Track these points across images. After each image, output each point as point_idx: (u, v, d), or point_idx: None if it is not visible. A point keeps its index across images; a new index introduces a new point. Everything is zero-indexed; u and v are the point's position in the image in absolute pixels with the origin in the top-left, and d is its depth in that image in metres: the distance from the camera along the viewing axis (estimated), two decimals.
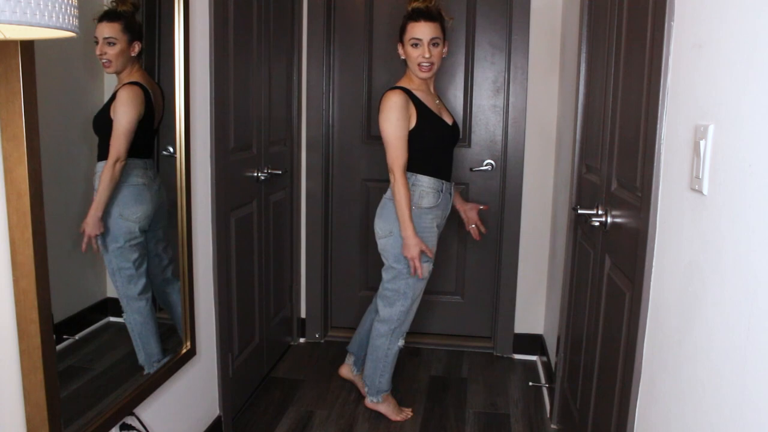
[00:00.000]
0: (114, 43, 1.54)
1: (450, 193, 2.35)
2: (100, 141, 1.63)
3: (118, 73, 1.59)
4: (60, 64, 1.43)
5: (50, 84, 1.30)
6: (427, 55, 2.17)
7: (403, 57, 2.25)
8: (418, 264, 2.19)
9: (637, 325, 1.29)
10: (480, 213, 2.51)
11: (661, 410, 1.15)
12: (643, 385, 1.27)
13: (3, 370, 1.20)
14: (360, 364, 2.62)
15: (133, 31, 1.59)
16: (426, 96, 2.28)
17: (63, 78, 1.46)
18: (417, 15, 2.17)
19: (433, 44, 2.18)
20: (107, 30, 1.54)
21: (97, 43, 1.53)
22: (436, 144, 2.28)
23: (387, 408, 2.48)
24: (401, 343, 2.41)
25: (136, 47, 1.61)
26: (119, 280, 1.67)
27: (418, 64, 2.19)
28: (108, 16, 1.53)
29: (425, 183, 2.25)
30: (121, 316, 1.74)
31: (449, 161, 2.35)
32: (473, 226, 2.50)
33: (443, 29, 2.21)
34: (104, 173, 1.59)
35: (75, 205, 1.55)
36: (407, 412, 2.50)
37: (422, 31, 2.16)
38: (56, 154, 1.42)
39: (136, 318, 1.72)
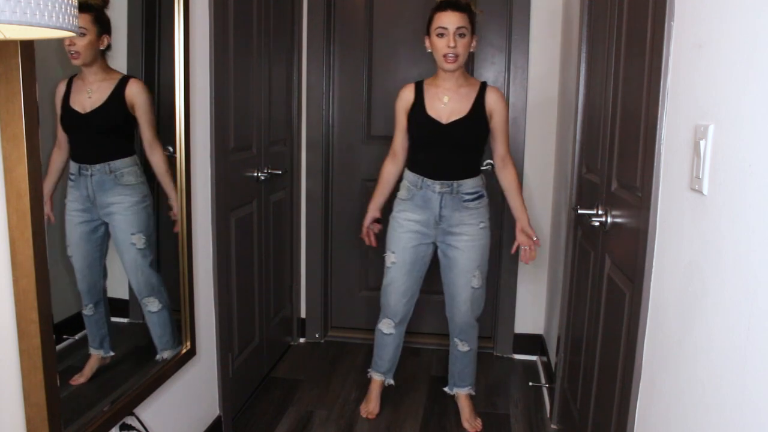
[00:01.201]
0: (84, 34, 1.54)
1: (435, 192, 2.27)
2: (112, 138, 1.67)
3: (85, 65, 1.59)
4: (66, 64, 1.43)
5: (44, 82, 1.30)
6: (452, 45, 2.12)
7: (429, 50, 2.21)
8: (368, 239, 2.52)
9: (637, 325, 1.28)
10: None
11: (661, 410, 1.15)
12: (643, 385, 1.27)
13: (3, 370, 1.20)
14: (452, 382, 2.58)
15: (102, 24, 1.59)
16: (439, 91, 2.24)
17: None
18: (444, 5, 2.15)
19: (459, 34, 2.13)
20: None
21: None
22: (419, 141, 2.31)
23: (369, 390, 2.58)
24: (383, 327, 2.48)
25: (105, 40, 1.60)
26: (146, 271, 1.77)
27: (444, 55, 2.15)
28: (78, 7, 1.54)
29: (407, 176, 2.35)
30: (121, 316, 1.74)
31: (436, 159, 2.27)
32: (524, 247, 2.36)
33: (471, 21, 2.17)
34: (162, 163, 1.79)
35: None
36: (369, 410, 2.52)
37: (448, 20, 2.13)
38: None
39: (157, 304, 1.83)
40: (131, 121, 1.71)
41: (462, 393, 2.51)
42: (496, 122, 2.26)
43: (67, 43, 1.52)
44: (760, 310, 0.77)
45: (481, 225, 2.30)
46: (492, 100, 2.24)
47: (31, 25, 0.75)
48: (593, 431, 1.75)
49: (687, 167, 1.05)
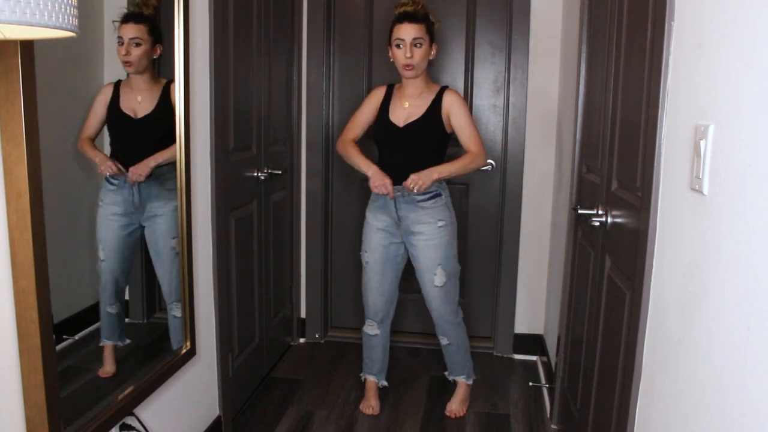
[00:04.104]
0: (140, 44, 1.57)
1: (404, 195, 2.30)
2: (160, 143, 1.73)
3: (138, 73, 1.61)
4: (67, 65, 1.43)
5: (52, 85, 1.30)
6: (408, 55, 2.21)
7: (392, 60, 2.30)
8: (388, 189, 2.26)
9: (637, 325, 1.28)
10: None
11: (661, 410, 1.15)
12: (643, 385, 1.27)
13: (3, 370, 1.20)
14: (449, 370, 2.63)
15: (156, 34, 1.62)
16: (403, 96, 2.34)
17: (65, 79, 1.46)
18: (401, 17, 2.24)
19: (416, 45, 2.21)
20: (133, 31, 1.56)
21: (121, 44, 1.54)
22: (380, 144, 2.39)
23: (366, 390, 2.59)
24: (367, 329, 2.52)
25: (158, 50, 1.64)
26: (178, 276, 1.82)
27: (402, 65, 2.24)
28: (134, 17, 1.57)
29: None
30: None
31: (395, 163, 2.31)
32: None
33: (429, 31, 2.24)
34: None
35: (75, 204, 1.55)
36: (370, 407, 2.53)
37: (405, 31, 2.21)
38: (57, 154, 1.42)
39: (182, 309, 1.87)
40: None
41: (457, 380, 2.58)
42: (456, 122, 2.29)
43: (122, 52, 1.54)
44: (760, 310, 0.77)
45: (440, 224, 2.31)
46: (448, 102, 2.29)
47: (31, 25, 0.75)
48: (593, 431, 1.75)
49: (687, 167, 1.05)
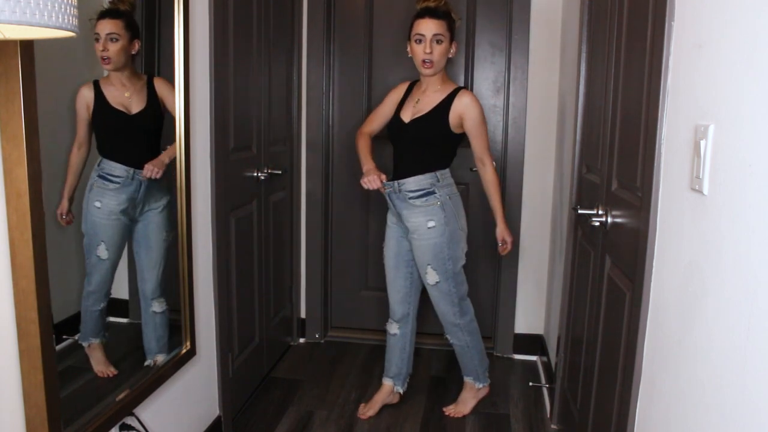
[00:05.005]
0: (117, 40, 1.56)
1: (396, 192, 2.30)
2: (155, 138, 1.73)
3: (117, 70, 1.60)
4: (59, 63, 1.43)
5: (50, 84, 1.30)
6: (428, 51, 2.18)
7: (410, 55, 2.27)
8: (371, 185, 2.26)
9: (637, 325, 1.28)
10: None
11: (661, 410, 1.15)
12: (643, 385, 1.27)
13: (3, 370, 1.20)
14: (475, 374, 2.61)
15: (133, 30, 1.61)
16: (417, 93, 2.34)
17: (62, 78, 1.46)
18: (423, 12, 2.21)
19: (436, 41, 2.19)
20: (110, 26, 1.55)
21: (98, 40, 1.53)
22: (391, 139, 2.40)
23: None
24: (388, 326, 2.54)
25: (136, 45, 1.63)
26: (164, 270, 1.83)
27: (421, 61, 2.22)
28: (110, 13, 1.56)
29: None
30: (120, 316, 1.75)
31: (397, 159, 2.34)
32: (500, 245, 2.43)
33: (450, 28, 2.22)
34: None
35: (74, 205, 1.55)
36: (366, 412, 2.50)
37: (426, 27, 2.19)
38: (57, 154, 1.42)
39: (164, 304, 1.86)
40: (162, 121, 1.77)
41: (465, 379, 2.57)
42: (468, 125, 2.26)
43: (100, 48, 1.53)
44: (760, 310, 0.77)
45: (430, 224, 2.26)
46: (460, 104, 2.24)
47: (31, 25, 0.75)
48: (593, 431, 1.75)
49: (687, 167, 1.06)
